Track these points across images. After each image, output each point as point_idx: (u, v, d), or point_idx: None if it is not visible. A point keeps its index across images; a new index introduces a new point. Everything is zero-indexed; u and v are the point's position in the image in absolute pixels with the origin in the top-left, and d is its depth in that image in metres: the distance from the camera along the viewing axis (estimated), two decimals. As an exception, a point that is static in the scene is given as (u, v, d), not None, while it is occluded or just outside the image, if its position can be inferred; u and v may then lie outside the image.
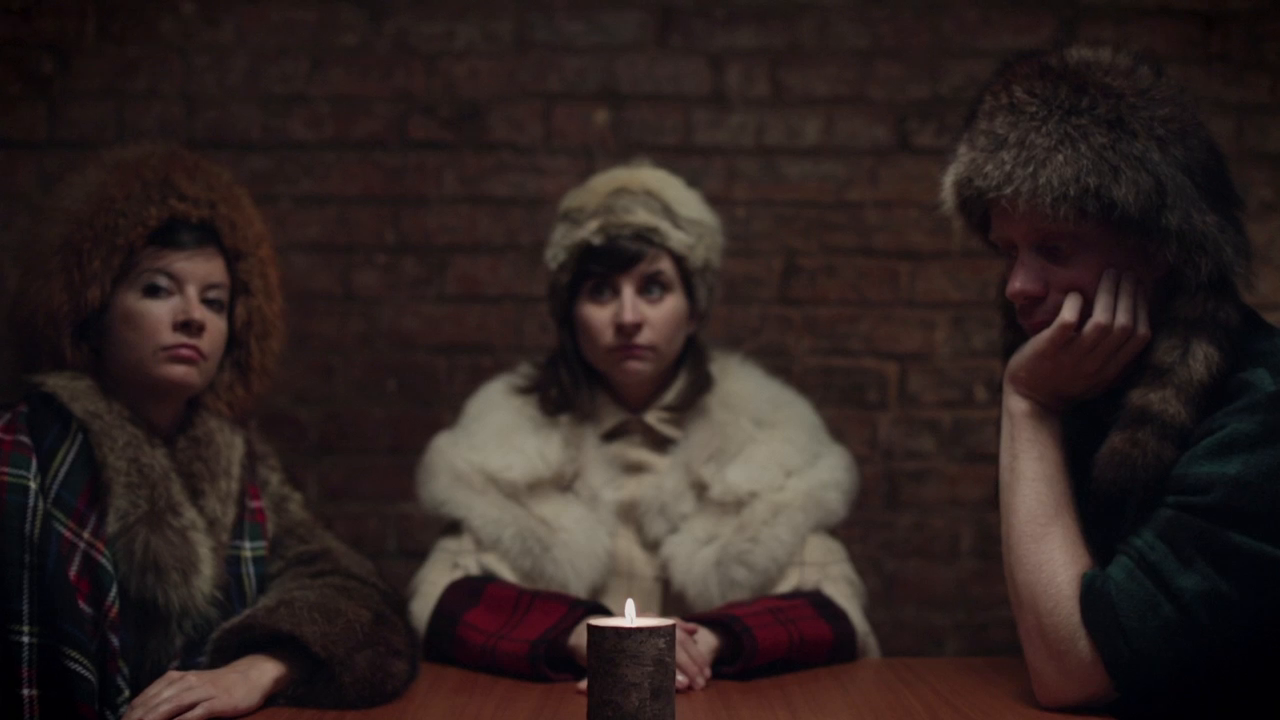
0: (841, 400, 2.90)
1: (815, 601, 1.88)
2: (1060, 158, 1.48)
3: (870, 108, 2.92)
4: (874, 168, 2.93)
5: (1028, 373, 1.57)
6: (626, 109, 2.91)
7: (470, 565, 1.93)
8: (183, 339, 1.67)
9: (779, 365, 2.61)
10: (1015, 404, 1.59)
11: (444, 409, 2.67)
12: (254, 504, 1.79)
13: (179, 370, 1.67)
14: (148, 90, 2.86)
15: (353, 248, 2.89)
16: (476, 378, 2.37)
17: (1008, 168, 1.49)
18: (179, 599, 1.61)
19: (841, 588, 1.94)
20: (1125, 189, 1.46)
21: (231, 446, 1.76)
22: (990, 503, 2.77)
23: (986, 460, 2.86)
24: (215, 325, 1.72)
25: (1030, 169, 1.48)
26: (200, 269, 1.70)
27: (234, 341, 1.78)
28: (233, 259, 1.76)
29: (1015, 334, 1.65)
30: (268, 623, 1.57)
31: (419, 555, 2.04)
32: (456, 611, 1.85)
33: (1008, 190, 1.49)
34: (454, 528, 1.97)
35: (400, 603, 1.77)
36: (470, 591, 1.87)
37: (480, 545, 1.93)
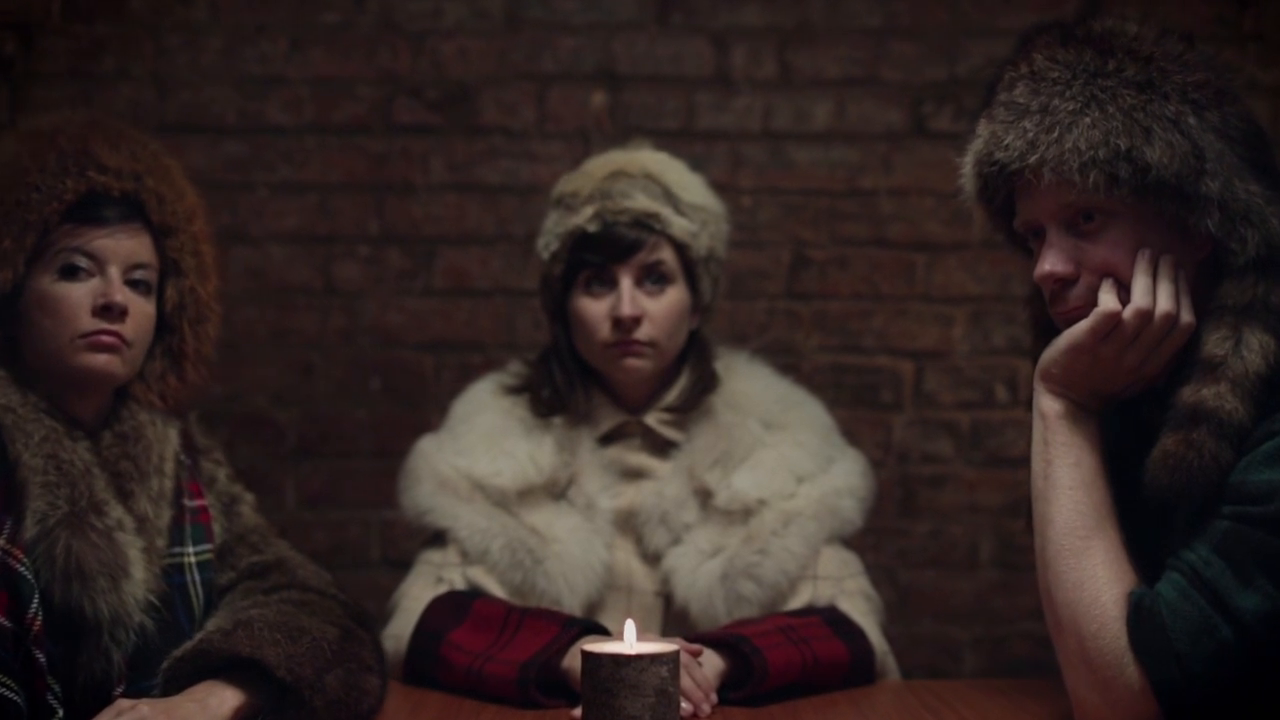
0: (853, 401, 2.89)
1: (830, 619, 1.85)
2: (1087, 120, 1.43)
3: (884, 90, 2.92)
4: (888, 154, 2.92)
5: (1062, 369, 1.51)
6: (625, 91, 2.90)
7: (455, 579, 1.90)
8: (103, 324, 1.59)
9: (787, 364, 2.60)
10: (1048, 404, 1.52)
11: (431, 410, 2.66)
12: (195, 503, 1.73)
13: (100, 359, 1.60)
14: (116, 71, 2.85)
15: (334, 238, 2.89)
16: (465, 377, 2.33)
17: (1030, 135, 1.45)
18: (108, 607, 1.53)
19: (858, 603, 1.91)
20: (1159, 151, 1.41)
21: (164, 441, 1.69)
22: (1012, 510, 2.89)
23: (1007, 464, 2.89)
24: (140, 309, 1.64)
25: (1055, 134, 1.44)
26: (123, 247, 1.62)
27: (165, 327, 1.70)
28: (161, 236, 1.68)
29: (1044, 331, 1.59)
30: (225, 647, 1.51)
31: (404, 566, 2.02)
32: (440, 630, 1.81)
33: (1031, 159, 1.44)
34: (438, 538, 1.94)
35: (363, 615, 1.72)
36: (455, 608, 1.84)
37: (466, 557, 1.90)
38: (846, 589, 1.91)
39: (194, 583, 1.68)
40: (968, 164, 1.55)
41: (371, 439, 2.88)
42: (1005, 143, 1.46)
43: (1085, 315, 1.48)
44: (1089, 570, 1.45)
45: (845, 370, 2.91)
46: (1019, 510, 2.82)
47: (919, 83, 2.91)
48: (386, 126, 2.89)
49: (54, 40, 2.81)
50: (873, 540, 2.76)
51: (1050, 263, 1.48)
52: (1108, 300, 1.46)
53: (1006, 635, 2.89)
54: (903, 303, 2.92)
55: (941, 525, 2.91)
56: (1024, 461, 2.86)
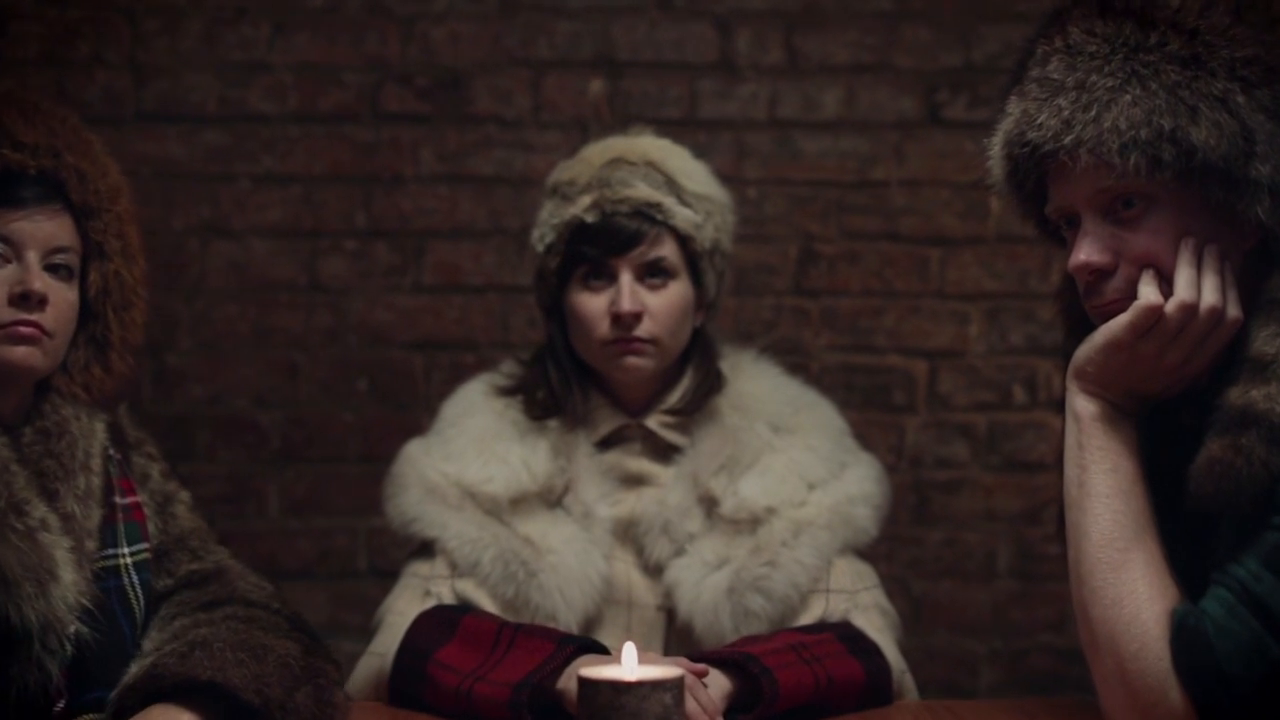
0: (864, 403, 2.88)
1: (844, 635, 1.80)
2: (1127, 98, 1.38)
3: (896, 77, 2.92)
4: (900, 143, 2.92)
5: (1098, 368, 1.46)
6: (625, 78, 2.91)
7: (444, 593, 1.85)
8: (21, 314, 1.54)
9: (794, 363, 2.53)
10: (1083, 406, 1.47)
11: (421, 412, 2.62)
12: (127, 500, 1.68)
13: (18, 352, 1.54)
14: (91, 58, 2.84)
15: (319, 232, 2.89)
16: (457, 377, 2.29)
17: (1066, 113, 1.40)
18: (37, 614, 1.47)
19: (873, 618, 1.87)
20: (1206, 131, 1.36)
21: (90, 436, 1.65)
22: (1030, 517, 2.90)
23: (1025, 469, 2.90)
24: (62, 296, 1.59)
25: (1092, 113, 1.39)
26: (42, 230, 1.57)
27: (88, 314, 1.66)
28: (83, 217, 1.62)
29: (1077, 327, 1.54)
30: (181, 670, 1.46)
31: (393, 576, 1.96)
32: (427, 648, 1.76)
33: (1067, 139, 1.39)
34: (425, 549, 1.89)
35: (311, 628, 1.68)
36: (443, 624, 1.79)
37: (455, 570, 1.85)
38: (861, 603, 1.87)
39: (132, 585, 1.63)
40: (996, 145, 1.50)
41: (358, 442, 2.87)
42: (1038, 121, 1.41)
43: (1123, 309, 1.43)
44: (1128, 585, 1.40)
45: (855, 370, 2.91)
46: (1038, 517, 2.89)
47: (933, 69, 2.91)
48: (374, 115, 2.88)
49: (26, 25, 2.81)
50: (885, 549, 2.74)
51: (1086, 252, 1.43)
52: (1149, 293, 1.41)
53: (1025, 649, 2.89)
54: (916, 299, 2.91)
55: (956, 533, 2.91)
56: (1043, 466, 2.98)
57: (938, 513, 2.90)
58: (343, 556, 2.84)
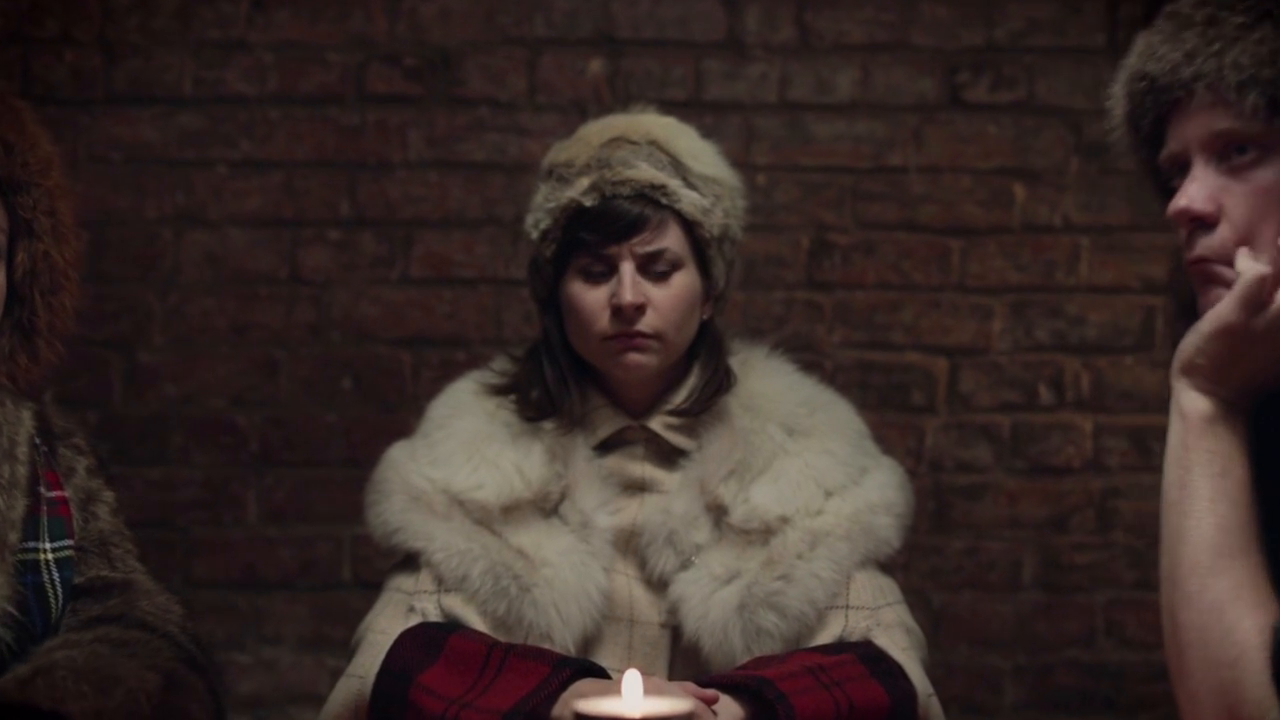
0: (880, 403, 2.87)
1: (865, 656, 1.76)
2: (1255, 35, 1.35)
3: (914, 56, 2.92)
4: (919, 127, 2.92)
5: (1210, 359, 1.40)
6: (625, 57, 2.90)
7: (429, 609, 1.80)
8: None
9: (806, 361, 2.48)
10: (1191, 404, 1.42)
11: (408, 413, 2.52)
12: (54, 493, 1.67)
13: None
14: (59, 35, 2.84)
15: (300, 222, 2.88)
16: (447, 376, 2.24)
17: (1188, 46, 1.38)
18: None
19: (896, 637, 1.82)
20: None
21: (16, 424, 1.63)
22: (1057, 524, 2.90)
23: (1052, 473, 2.89)
24: None
25: (1215, 47, 1.37)
26: None
27: (14, 297, 1.65)
28: (9, 192, 1.61)
29: (1185, 313, 1.49)
30: (20, 698, 1.43)
31: (379, 588, 1.94)
32: (410, 670, 1.72)
33: (1185, 72, 1.38)
34: (409, 562, 1.85)
35: (199, 657, 1.65)
36: (428, 644, 1.74)
37: (442, 584, 1.81)
38: (883, 620, 1.83)
39: (51, 582, 1.61)
40: (1119, 83, 1.48)
41: (342, 445, 2.86)
42: (1159, 54, 1.41)
43: (1214, 270, 1.39)
44: (1229, 592, 1.35)
45: (871, 369, 2.91)
46: (1065, 524, 2.89)
47: (953, 48, 2.90)
48: (359, 97, 2.88)
49: (-10, 2, 2.84)
50: (902, 559, 2.64)
51: (1188, 197, 1.39)
52: (1251, 265, 1.36)
53: (1052, 665, 2.88)
54: (935, 293, 2.91)
55: (979, 542, 2.91)
56: (1070, 470, 2.91)
57: (959, 520, 2.89)
58: (325, 567, 2.83)
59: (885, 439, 2.53)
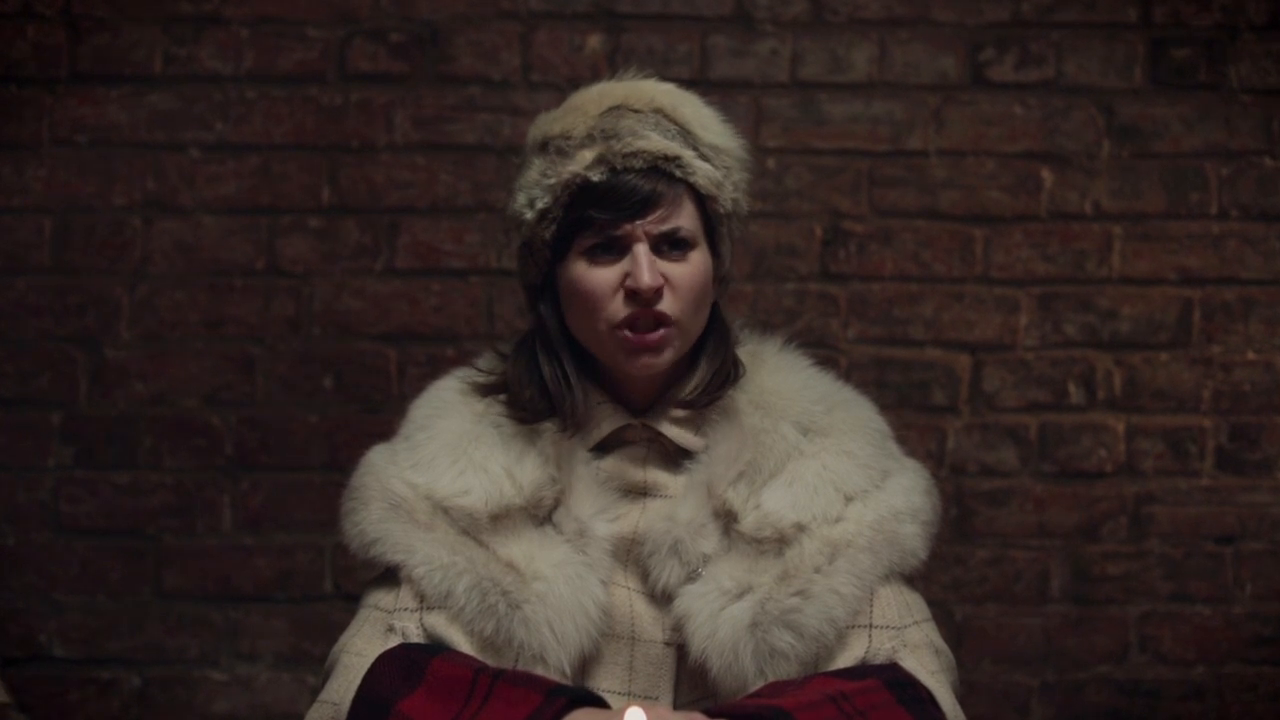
0: (899, 402, 2.86)
1: (892, 682, 1.68)
2: None
3: (935, 32, 2.90)
4: (940, 108, 2.91)
5: None
6: (626, 33, 2.89)
7: (410, 629, 1.74)
8: None
9: (820, 357, 2.44)
10: None
11: (393, 413, 2.45)
12: None
13: None
14: (20, 9, 2.83)
15: (279, 209, 2.87)
16: (435, 373, 2.18)
17: None
18: None
19: (925, 659, 1.76)
20: None
21: None
22: (1087, 532, 2.86)
23: (1082, 478, 2.87)
24: None
25: None
26: None
27: None
28: None
29: None
30: None
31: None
32: (388, 697, 1.65)
33: None
34: (389, 576, 1.79)
35: None
36: (408, 669, 1.67)
37: (424, 601, 1.74)
38: (910, 640, 1.76)
39: None
40: None
41: (323, 448, 2.85)
42: None
43: None
44: None
45: (889, 365, 2.89)
46: (1096, 532, 2.88)
47: (976, 24, 2.88)
48: (341, 75, 2.88)
49: (-54, -27, 2.82)
50: (921, 568, 2.67)
51: None
52: None
53: (1082, 682, 2.87)
54: (958, 285, 2.90)
55: (1004, 551, 2.89)
56: (1102, 475, 2.83)
57: (982, 527, 2.87)
58: (305, 578, 2.82)
59: (904, 441, 2.48)
